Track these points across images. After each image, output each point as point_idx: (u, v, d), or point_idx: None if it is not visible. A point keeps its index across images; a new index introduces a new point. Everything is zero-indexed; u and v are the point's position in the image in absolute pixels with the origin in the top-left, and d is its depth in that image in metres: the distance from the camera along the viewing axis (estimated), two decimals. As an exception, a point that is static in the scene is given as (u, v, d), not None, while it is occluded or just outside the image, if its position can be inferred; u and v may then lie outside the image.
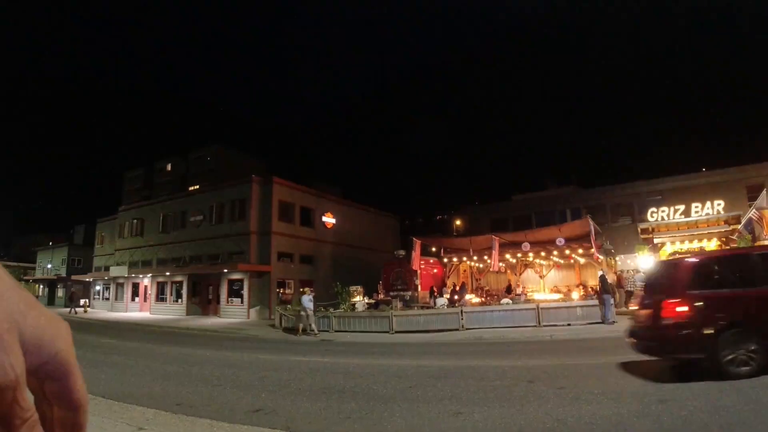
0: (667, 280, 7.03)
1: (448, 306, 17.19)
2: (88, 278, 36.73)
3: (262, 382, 7.84)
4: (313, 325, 15.73)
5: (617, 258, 23.29)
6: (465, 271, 25.14)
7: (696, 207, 19.88)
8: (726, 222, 19.18)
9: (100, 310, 34.21)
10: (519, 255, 21.35)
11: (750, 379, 5.89)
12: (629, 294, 17.80)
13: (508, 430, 4.78)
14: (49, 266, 46.60)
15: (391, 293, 20.66)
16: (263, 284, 25.32)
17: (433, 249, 24.38)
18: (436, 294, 20.08)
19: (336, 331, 16.44)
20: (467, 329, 14.92)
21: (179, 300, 28.85)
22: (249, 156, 59.01)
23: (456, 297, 19.09)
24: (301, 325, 15.88)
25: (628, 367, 7.62)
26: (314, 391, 6.91)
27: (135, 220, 34.73)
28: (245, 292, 25.29)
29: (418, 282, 22.07)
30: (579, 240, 18.87)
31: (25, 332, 0.39)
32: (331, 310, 17.80)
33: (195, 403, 6.33)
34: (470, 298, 19.57)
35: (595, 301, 14.81)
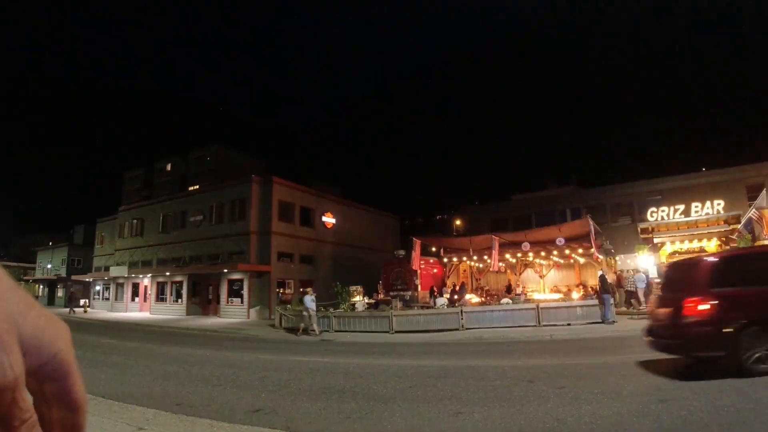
0: (688, 279, 7.04)
1: (448, 306, 17.19)
2: (88, 278, 36.73)
3: (262, 382, 7.85)
4: (315, 326, 15.71)
5: (617, 258, 23.30)
6: (465, 270, 25.14)
7: (696, 207, 19.88)
8: (726, 222, 19.19)
9: (100, 310, 34.21)
10: (519, 255, 21.35)
11: (749, 379, 5.90)
12: (629, 294, 17.81)
13: (508, 429, 4.78)
14: (49, 266, 46.60)
15: (391, 293, 20.67)
16: (263, 284, 25.32)
17: (433, 249, 24.39)
18: (436, 294, 20.08)
19: (336, 331, 16.44)
20: (467, 329, 14.92)
21: (179, 300, 28.85)
22: (249, 156, 59.04)
23: (456, 297, 19.09)
24: (302, 325, 15.86)
25: (627, 366, 7.62)
26: (314, 391, 6.92)
27: (135, 220, 34.73)
28: (245, 292, 25.29)
29: (418, 282, 22.07)
30: (579, 240, 18.88)
31: (25, 333, 0.39)
32: (331, 310, 17.80)
33: (195, 403, 6.34)
34: (470, 298, 19.57)
35: (595, 301, 14.82)
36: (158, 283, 30.43)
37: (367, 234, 33.66)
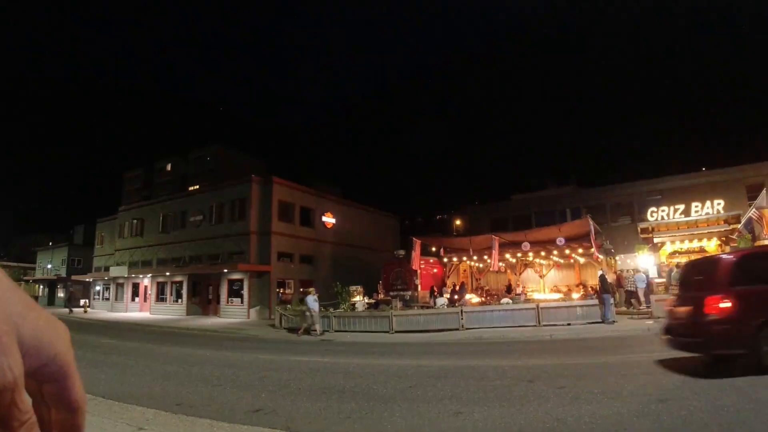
0: (707, 277, 7.05)
1: (448, 306, 17.19)
2: (88, 278, 36.74)
3: (262, 382, 7.85)
4: (317, 326, 15.65)
5: (617, 257, 23.30)
6: (465, 270, 25.14)
7: (696, 206, 19.89)
8: (726, 221, 19.17)
9: (100, 311, 34.21)
10: (519, 255, 21.35)
11: (750, 378, 5.90)
12: (629, 293, 17.81)
13: (508, 429, 4.78)
14: (49, 266, 46.61)
15: (391, 293, 20.67)
16: (263, 284, 25.32)
17: (433, 249, 24.39)
18: (436, 294, 20.09)
19: (336, 331, 16.44)
20: (467, 329, 14.92)
21: (179, 300, 28.85)
22: (249, 156, 59.05)
23: (456, 297, 19.09)
24: (304, 325, 15.76)
25: (628, 366, 7.63)
26: (314, 391, 6.92)
27: (135, 220, 34.73)
28: (245, 292, 25.29)
29: (418, 282, 22.07)
30: (579, 240, 18.88)
31: (24, 334, 0.39)
32: (331, 310, 17.80)
33: (195, 403, 6.34)
34: (470, 298, 19.57)
35: (595, 301, 14.82)
36: (158, 283, 30.43)
37: (367, 234, 33.66)
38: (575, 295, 18.55)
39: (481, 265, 24.36)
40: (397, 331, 15.50)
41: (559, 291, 21.58)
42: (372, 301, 21.04)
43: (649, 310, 14.93)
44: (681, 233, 20.33)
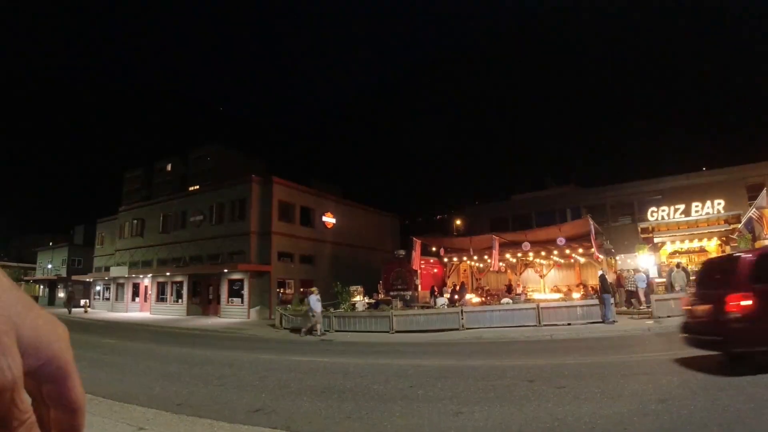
0: (727, 275, 7.05)
1: (448, 306, 17.18)
2: (88, 278, 36.74)
3: (262, 382, 7.85)
4: (319, 326, 15.60)
5: (617, 257, 23.28)
6: (465, 270, 25.13)
7: (696, 206, 19.84)
8: (726, 221, 19.17)
9: (100, 311, 34.21)
10: (519, 255, 21.34)
11: (750, 378, 5.90)
12: (629, 293, 17.79)
13: (508, 429, 4.78)
14: (50, 266, 46.62)
15: (392, 293, 20.66)
16: (263, 284, 25.32)
17: (433, 249, 24.38)
18: (436, 294, 20.08)
19: (336, 331, 16.43)
20: (467, 329, 14.92)
21: (179, 300, 28.85)
22: (249, 156, 59.11)
23: (456, 297, 19.09)
24: (308, 325, 15.64)
25: (628, 366, 7.63)
26: (314, 391, 6.92)
27: (135, 221, 34.73)
28: (245, 292, 25.29)
29: (418, 282, 22.06)
30: (579, 239, 18.87)
31: (23, 334, 0.39)
32: (331, 309, 17.80)
33: (195, 403, 6.34)
34: (470, 298, 19.57)
35: (595, 301, 14.81)
36: (158, 283, 30.43)
37: (367, 234, 33.66)
38: (575, 295, 18.54)
39: (481, 265, 24.35)
40: (397, 331, 15.50)
41: (559, 291, 21.57)
42: (372, 301, 21.03)
43: (650, 310, 14.91)
44: (681, 233, 20.33)
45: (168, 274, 29.06)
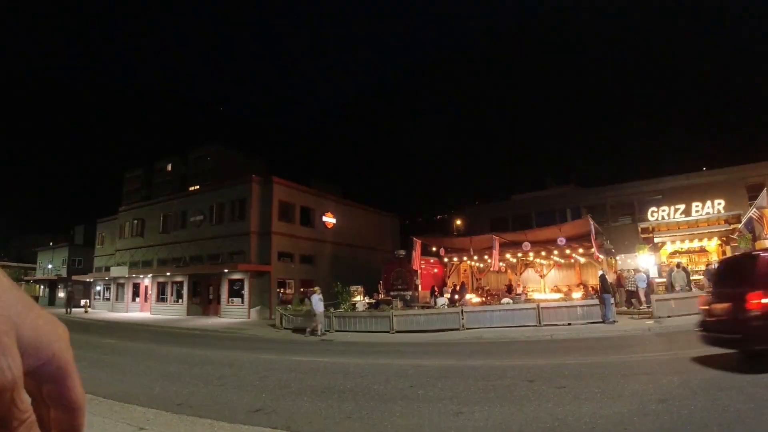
0: (746, 273, 7.05)
1: (448, 306, 17.18)
2: (88, 278, 36.75)
3: (262, 382, 7.85)
4: (320, 325, 15.55)
5: (617, 257, 23.28)
6: (465, 270, 25.12)
7: (696, 206, 19.83)
8: (726, 221, 19.15)
9: (100, 311, 34.22)
10: (519, 254, 21.33)
11: (750, 377, 5.90)
12: (630, 293, 17.79)
13: (508, 429, 4.78)
14: (50, 266, 46.62)
15: (392, 293, 20.65)
16: (263, 284, 25.32)
17: (434, 249, 24.38)
18: (436, 294, 20.07)
19: (336, 331, 16.43)
20: (468, 329, 14.92)
21: (180, 300, 28.85)
22: (249, 156, 59.12)
23: (456, 297, 19.08)
24: (313, 325, 15.54)
25: (628, 366, 7.63)
26: (315, 391, 6.92)
27: (135, 221, 34.75)
28: (246, 292, 25.29)
29: (418, 282, 22.05)
30: (579, 239, 18.86)
31: (23, 334, 0.39)
32: (332, 309, 17.79)
33: (196, 403, 6.34)
34: (470, 298, 19.56)
35: (596, 301, 14.80)
36: (159, 283, 30.44)
37: (367, 234, 33.66)
38: (576, 295, 18.53)
39: (481, 265, 24.35)
40: (397, 331, 15.50)
41: (559, 291, 21.56)
42: (372, 301, 21.03)
43: (650, 310, 14.91)
44: (681, 233, 20.31)
45: (168, 274, 29.07)
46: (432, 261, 24.26)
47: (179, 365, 10.03)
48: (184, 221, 30.59)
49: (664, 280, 17.64)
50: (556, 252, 20.56)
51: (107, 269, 34.96)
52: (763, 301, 6.32)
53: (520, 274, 23.64)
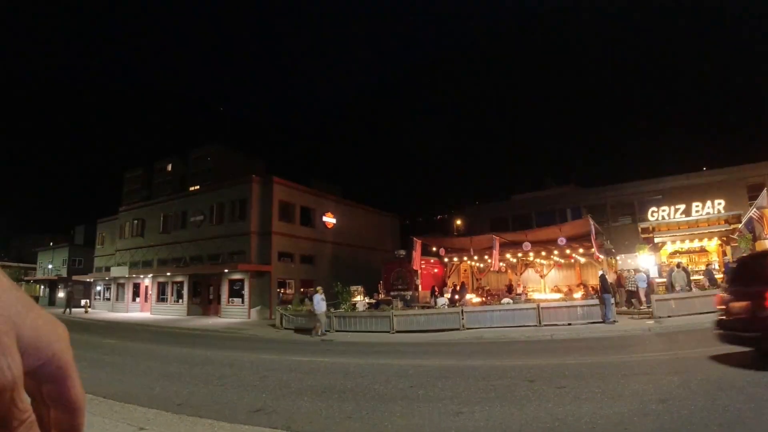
0: (763, 272, 7.08)
1: (448, 306, 17.18)
2: (88, 278, 36.76)
3: (263, 382, 7.85)
4: (322, 326, 15.48)
5: (618, 257, 23.27)
6: (465, 270, 25.12)
7: (696, 206, 19.81)
8: (726, 221, 19.14)
9: (101, 311, 34.23)
10: (519, 254, 21.32)
11: (750, 377, 5.90)
12: (630, 293, 17.78)
13: (508, 429, 4.78)
14: (50, 267, 46.62)
15: (392, 293, 20.66)
16: (264, 284, 25.32)
17: (434, 249, 24.39)
18: (436, 294, 20.06)
19: (336, 331, 16.43)
20: (468, 329, 14.92)
21: (180, 300, 28.85)
22: (249, 156, 59.12)
23: (456, 297, 19.08)
24: (317, 325, 15.45)
25: (628, 366, 7.62)
26: (315, 391, 6.92)
27: (135, 221, 34.75)
28: (246, 292, 25.29)
29: (418, 282, 22.06)
30: (579, 239, 18.85)
31: (23, 334, 0.39)
32: (332, 309, 17.79)
33: (196, 403, 6.34)
34: (471, 298, 19.55)
35: (596, 301, 14.80)
36: (159, 283, 30.44)
37: (367, 234, 33.66)
38: (576, 295, 18.52)
39: (481, 265, 24.34)
40: (397, 331, 15.50)
41: (559, 291, 21.55)
42: (373, 301, 21.02)
43: (650, 310, 14.90)
44: (681, 233, 20.30)
45: (168, 274, 29.07)
46: (432, 261, 24.26)
47: (179, 365, 10.03)
48: (184, 221, 30.59)
49: (664, 280, 17.63)
50: (556, 252, 20.55)
51: (107, 269, 34.96)
52: None
53: (520, 274, 23.64)
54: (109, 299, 35.25)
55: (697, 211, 19.60)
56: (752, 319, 6.58)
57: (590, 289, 19.40)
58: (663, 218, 20.40)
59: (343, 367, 9.33)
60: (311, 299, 16.35)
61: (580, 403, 5.43)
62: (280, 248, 26.63)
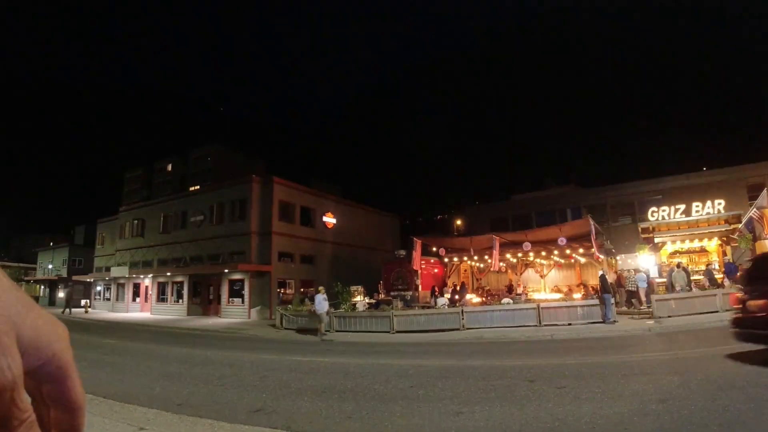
0: None
1: (448, 306, 17.18)
2: (89, 279, 36.76)
3: (263, 382, 7.85)
4: (322, 325, 15.47)
5: (618, 257, 23.27)
6: (465, 270, 25.11)
7: (696, 206, 19.80)
8: (726, 221, 19.14)
9: (101, 311, 34.23)
10: (519, 255, 21.32)
11: (750, 377, 5.90)
12: (630, 293, 17.78)
13: (508, 429, 4.78)
14: (50, 267, 46.62)
15: (392, 293, 20.66)
16: (264, 284, 25.32)
17: (434, 249, 24.39)
18: (436, 294, 20.06)
19: (337, 331, 16.42)
20: (468, 329, 14.92)
21: (180, 300, 28.85)
22: (249, 156, 59.14)
23: (456, 297, 19.08)
24: (322, 325, 15.26)
25: (628, 366, 7.62)
26: (315, 391, 6.92)
27: (136, 221, 34.75)
28: (246, 292, 25.29)
29: (418, 282, 22.06)
30: (579, 239, 18.85)
31: (23, 334, 0.39)
32: (332, 310, 17.77)
33: (196, 403, 6.34)
34: (471, 298, 19.55)
35: (596, 301, 14.80)
36: (159, 283, 30.44)
37: (367, 234, 33.65)
38: (576, 295, 18.51)
39: (481, 265, 24.34)
40: (397, 331, 15.49)
41: (559, 291, 21.55)
42: (373, 301, 21.02)
43: (650, 310, 14.90)
44: (682, 233, 20.29)
45: (168, 274, 29.07)
46: (432, 261, 24.26)
47: (179, 365, 10.03)
48: (184, 221, 30.59)
49: (665, 280, 17.63)
50: (556, 252, 20.55)
51: (107, 269, 34.96)
52: None
53: (521, 274, 23.64)
54: (109, 299, 35.25)
55: (697, 211, 19.59)
56: None
57: (590, 289, 19.40)
58: (663, 218, 20.40)
59: (343, 367, 9.33)
60: (312, 299, 16.29)
61: (580, 403, 5.43)
62: (280, 248, 26.63)
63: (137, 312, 31.33)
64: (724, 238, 19.88)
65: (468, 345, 12.38)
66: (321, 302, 15.35)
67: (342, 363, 9.84)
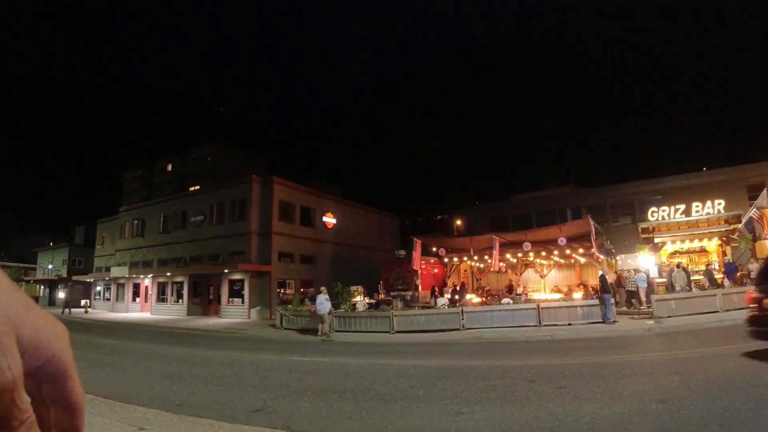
0: None
1: (448, 306, 17.18)
2: (89, 279, 36.76)
3: (263, 382, 7.85)
4: (325, 326, 15.43)
5: (618, 257, 23.27)
6: (465, 270, 25.11)
7: (696, 206, 19.81)
8: (726, 221, 19.14)
9: (101, 311, 34.23)
10: (519, 255, 21.32)
11: (750, 377, 5.90)
12: (630, 293, 17.78)
13: (508, 429, 4.78)
14: (50, 267, 46.62)
15: (392, 293, 20.65)
16: (264, 284, 25.32)
17: (434, 249, 24.39)
18: (436, 294, 20.06)
19: (337, 331, 16.41)
20: (468, 329, 14.91)
21: (180, 300, 28.85)
22: (249, 156, 59.14)
23: (456, 297, 19.08)
24: (325, 325, 15.19)
25: (628, 366, 7.62)
26: (315, 391, 6.92)
27: (136, 221, 34.75)
28: (246, 292, 25.29)
29: (418, 282, 22.05)
30: (579, 239, 18.85)
31: (24, 334, 0.39)
32: (332, 310, 17.77)
33: (196, 403, 6.34)
34: (471, 298, 19.54)
35: (596, 301, 14.80)
36: (159, 283, 30.44)
37: (367, 234, 33.65)
38: (576, 295, 18.51)
39: (481, 265, 24.34)
40: (397, 331, 15.49)
41: (559, 291, 21.55)
42: (373, 301, 21.02)
43: (650, 310, 14.90)
44: (682, 233, 20.29)
45: (168, 274, 29.07)
46: (432, 261, 24.26)
47: (179, 365, 10.03)
48: (184, 221, 30.59)
49: (665, 280, 17.63)
50: (556, 252, 20.55)
51: (107, 269, 34.96)
52: None
53: (521, 274, 23.64)
54: (109, 299, 35.25)
55: (697, 211, 19.59)
56: None
57: (590, 289, 19.40)
58: (663, 218, 20.40)
59: (343, 367, 9.33)
60: (312, 300, 16.25)
61: (580, 403, 5.43)
62: (280, 248, 26.63)
63: (137, 312, 31.33)
64: (724, 238, 19.88)
65: (468, 345, 12.38)
66: (323, 302, 15.28)
67: (342, 363, 9.84)
